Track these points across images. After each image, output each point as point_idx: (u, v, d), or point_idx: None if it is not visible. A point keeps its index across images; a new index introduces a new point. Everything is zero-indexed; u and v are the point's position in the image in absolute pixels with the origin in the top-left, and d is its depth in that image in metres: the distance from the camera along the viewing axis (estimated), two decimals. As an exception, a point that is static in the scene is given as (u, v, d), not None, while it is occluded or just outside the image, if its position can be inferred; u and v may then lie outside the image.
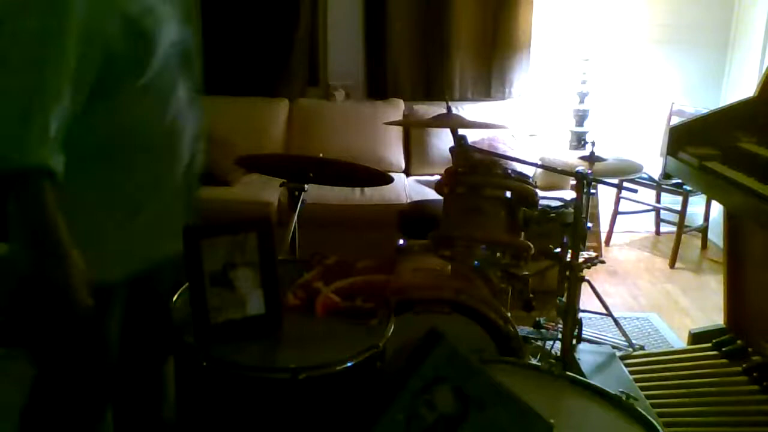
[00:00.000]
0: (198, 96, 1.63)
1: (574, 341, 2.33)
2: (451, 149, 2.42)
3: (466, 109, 4.17)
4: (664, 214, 4.45)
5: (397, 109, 4.25)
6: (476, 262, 2.12)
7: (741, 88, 4.10)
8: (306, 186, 2.34)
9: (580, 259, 2.21)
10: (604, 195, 4.17)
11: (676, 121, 3.61)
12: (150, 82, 1.43)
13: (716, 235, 4.11)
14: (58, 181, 1.26)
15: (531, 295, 2.36)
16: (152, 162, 1.51)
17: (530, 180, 2.20)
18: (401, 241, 2.45)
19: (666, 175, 3.85)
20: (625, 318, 3.15)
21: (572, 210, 2.13)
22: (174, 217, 1.58)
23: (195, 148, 1.63)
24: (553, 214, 2.16)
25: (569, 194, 3.40)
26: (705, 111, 2.79)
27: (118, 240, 1.49)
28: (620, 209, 4.32)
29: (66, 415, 1.60)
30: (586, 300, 2.83)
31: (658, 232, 4.56)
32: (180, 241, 1.51)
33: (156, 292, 1.69)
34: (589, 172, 2.26)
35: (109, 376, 1.62)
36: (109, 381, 1.63)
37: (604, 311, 2.92)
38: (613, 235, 4.35)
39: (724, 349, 2.54)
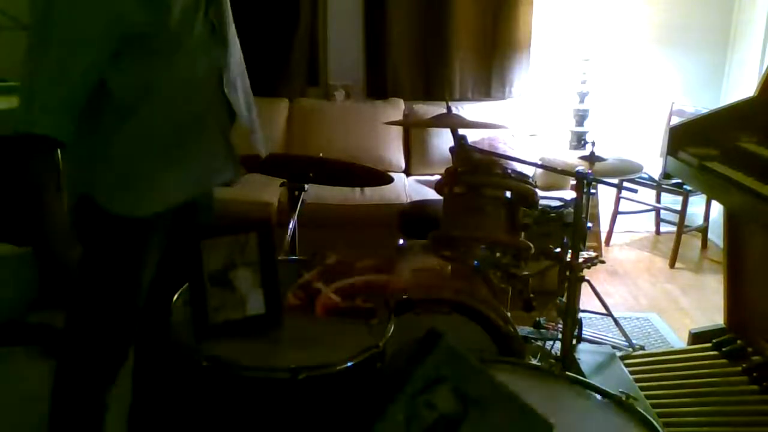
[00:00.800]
0: (229, 38, 1.73)
1: (574, 341, 2.33)
2: (451, 149, 2.42)
3: (466, 109, 4.17)
4: (664, 214, 4.45)
5: (397, 109, 4.24)
6: (476, 262, 2.12)
7: (741, 88, 4.10)
8: (306, 186, 2.35)
9: (580, 259, 2.21)
10: (604, 195, 4.17)
11: (676, 121, 3.61)
12: (172, 36, 1.54)
13: (716, 235, 4.11)
14: (60, 142, 1.49)
15: (531, 295, 2.36)
16: (182, 108, 1.62)
17: (530, 180, 2.20)
18: (401, 241, 2.45)
19: (666, 175, 3.85)
20: (625, 318, 3.15)
21: (572, 210, 2.13)
22: (210, 157, 1.72)
23: (233, 89, 1.74)
24: (553, 214, 2.16)
25: (569, 194, 3.40)
26: (705, 111, 2.79)
27: (153, 178, 1.62)
28: (620, 209, 4.31)
29: (93, 354, 1.70)
30: (586, 300, 2.83)
31: (658, 232, 4.56)
32: (218, 177, 1.76)
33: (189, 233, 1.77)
34: (589, 172, 2.25)
35: (136, 314, 1.73)
36: (136, 319, 1.74)
37: (604, 311, 2.92)
38: (613, 235, 4.35)
39: (724, 349, 2.54)
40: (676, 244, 4.01)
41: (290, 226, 2.31)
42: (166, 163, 1.63)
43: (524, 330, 2.63)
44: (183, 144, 1.65)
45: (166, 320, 1.76)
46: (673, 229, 4.10)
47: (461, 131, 2.38)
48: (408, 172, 4.17)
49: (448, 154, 2.47)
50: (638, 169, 2.70)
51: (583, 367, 2.23)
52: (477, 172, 2.19)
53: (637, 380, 2.33)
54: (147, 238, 1.68)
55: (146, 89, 1.57)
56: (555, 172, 2.54)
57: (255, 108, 1.90)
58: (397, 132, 4.17)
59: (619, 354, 2.51)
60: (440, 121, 2.43)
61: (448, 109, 2.50)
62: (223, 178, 1.80)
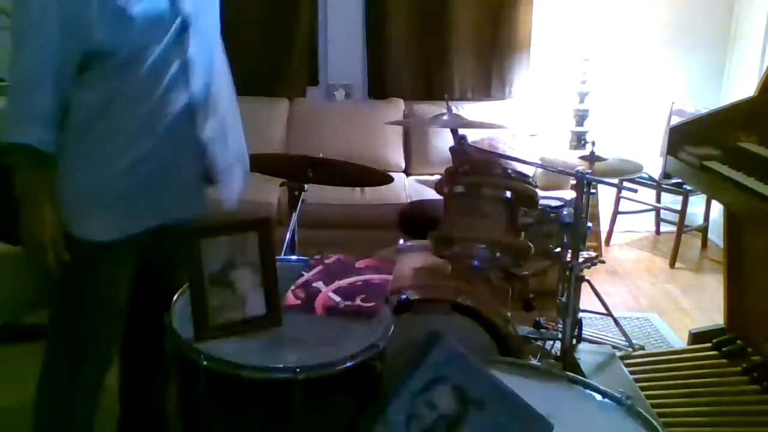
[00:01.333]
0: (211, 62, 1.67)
1: (574, 341, 2.33)
2: (451, 149, 2.42)
3: (466, 109, 4.17)
4: (664, 213, 4.45)
5: (397, 109, 4.25)
6: (476, 262, 2.12)
7: (741, 88, 4.10)
8: (306, 186, 2.35)
9: (580, 259, 2.21)
10: (604, 195, 4.17)
11: (676, 121, 3.61)
12: (135, 54, 1.50)
13: (716, 235, 4.11)
14: (40, 151, 1.46)
15: (531, 295, 2.36)
16: (143, 131, 1.56)
17: (530, 180, 2.20)
18: (401, 241, 2.45)
19: (666, 175, 3.85)
20: (625, 318, 3.15)
21: (572, 209, 2.13)
22: (175, 186, 1.66)
23: (207, 119, 1.66)
24: (553, 214, 2.16)
25: (569, 194, 3.40)
26: (705, 111, 2.79)
27: (111, 205, 1.58)
28: (620, 209, 4.31)
29: (75, 362, 1.69)
30: (586, 300, 2.83)
31: (658, 232, 4.56)
32: (187, 210, 1.71)
33: (163, 258, 1.75)
34: (589, 172, 2.26)
35: (115, 332, 1.73)
36: (115, 337, 1.74)
37: (604, 311, 2.92)
38: (613, 235, 4.35)
39: (724, 349, 2.54)
40: (676, 244, 4.01)
41: (290, 226, 2.31)
42: (125, 188, 1.57)
43: (524, 330, 2.63)
44: (144, 170, 1.57)
45: (153, 337, 1.76)
46: (673, 229, 4.10)
47: (461, 131, 2.38)
48: (408, 172, 4.17)
49: (448, 154, 2.47)
50: (638, 169, 2.70)
51: (583, 367, 2.23)
52: (477, 172, 2.19)
53: (637, 380, 2.33)
54: (115, 261, 1.64)
55: (106, 107, 1.52)
56: (555, 172, 2.54)
57: (243, 147, 1.88)
58: (397, 132, 4.17)
59: (619, 354, 2.51)
60: (440, 121, 2.43)
61: (448, 109, 2.50)
62: (190, 212, 1.72)
